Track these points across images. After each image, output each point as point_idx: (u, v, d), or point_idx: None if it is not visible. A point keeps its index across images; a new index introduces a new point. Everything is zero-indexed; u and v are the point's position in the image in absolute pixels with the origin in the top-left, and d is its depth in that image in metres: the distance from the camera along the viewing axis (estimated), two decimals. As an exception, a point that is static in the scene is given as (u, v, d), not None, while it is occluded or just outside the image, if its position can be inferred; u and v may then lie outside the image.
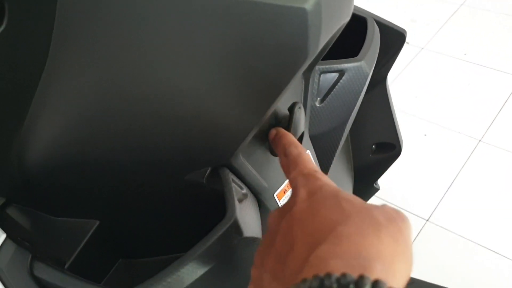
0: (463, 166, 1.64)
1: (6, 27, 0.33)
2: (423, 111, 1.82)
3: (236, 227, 0.44)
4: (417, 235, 1.50)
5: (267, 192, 0.54)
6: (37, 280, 0.45)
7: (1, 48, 0.34)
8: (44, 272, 0.46)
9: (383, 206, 0.34)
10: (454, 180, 1.60)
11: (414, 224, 1.52)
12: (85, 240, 0.55)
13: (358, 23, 0.68)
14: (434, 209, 1.54)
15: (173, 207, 0.53)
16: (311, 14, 0.37)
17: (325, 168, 0.65)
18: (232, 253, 0.45)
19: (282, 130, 0.48)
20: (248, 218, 0.47)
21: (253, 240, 0.47)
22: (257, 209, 0.53)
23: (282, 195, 0.56)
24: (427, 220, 1.52)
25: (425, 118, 1.80)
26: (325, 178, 0.39)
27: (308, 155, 0.43)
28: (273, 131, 0.49)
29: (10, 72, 0.37)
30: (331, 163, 0.66)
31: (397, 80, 1.92)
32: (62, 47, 0.37)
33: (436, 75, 1.98)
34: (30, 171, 0.47)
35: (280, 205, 0.56)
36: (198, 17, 0.37)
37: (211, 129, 0.45)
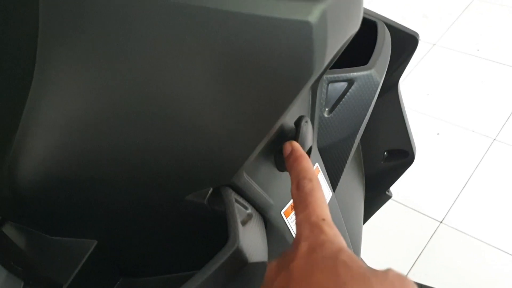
0: (477, 166, 1.60)
1: None
2: (435, 109, 1.78)
3: (239, 254, 0.41)
4: (431, 237, 1.47)
5: (274, 210, 0.51)
6: None
7: None
8: None
9: (386, 272, 0.31)
10: (468, 180, 1.57)
11: (428, 226, 1.49)
12: (83, 261, 0.53)
13: (368, 27, 0.64)
14: (448, 211, 1.51)
15: (173, 227, 0.51)
16: (316, 27, 0.34)
17: (335, 179, 0.63)
18: (236, 281, 0.43)
19: (298, 149, 0.45)
20: (253, 242, 0.45)
21: (258, 265, 0.44)
22: (263, 229, 0.50)
23: (290, 212, 0.53)
24: (441, 222, 1.49)
25: (438, 117, 1.76)
26: (330, 232, 0.36)
27: (321, 192, 0.40)
28: (288, 147, 0.46)
29: None
30: (341, 174, 0.63)
31: (408, 78, 1.88)
32: (49, 56, 0.35)
33: (448, 72, 1.94)
34: (22, 188, 0.45)
35: (287, 224, 0.53)
36: (197, 32, 0.34)
37: (213, 147, 0.42)
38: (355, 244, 0.73)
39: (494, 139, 1.67)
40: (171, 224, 0.50)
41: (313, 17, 0.33)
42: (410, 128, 0.77)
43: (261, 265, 0.45)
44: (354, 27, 0.41)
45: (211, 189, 0.45)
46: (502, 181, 1.56)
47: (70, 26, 0.34)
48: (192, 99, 0.39)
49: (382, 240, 1.41)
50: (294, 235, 0.54)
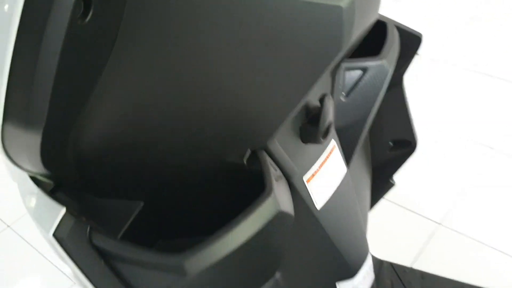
0: (474, 173, 1.68)
1: (91, 18, 0.39)
2: (435, 120, 1.87)
3: (274, 201, 0.49)
4: (430, 239, 1.54)
5: (297, 176, 0.59)
6: (96, 248, 0.51)
7: (83, 37, 0.40)
8: (102, 241, 0.51)
9: None
10: (466, 184, 1.65)
11: (426, 227, 1.57)
12: (130, 220, 0.60)
13: (377, 28, 0.74)
14: (447, 212, 1.58)
15: (213, 188, 0.59)
16: (346, 11, 0.43)
17: (348, 158, 0.71)
18: (269, 226, 0.51)
19: None
20: (283, 195, 0.53)
21: (287, 216, 0.53)
22: (289, 191, 0.58)
23: (311, 179, 0.61)
24: (440, 223, 1.56)
25: (437, 127, 1.85)
26: None
27: None
28: None
29: (83, 59, 0.43)
30: (353, 154, 0.71)
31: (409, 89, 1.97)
32: (126, 40, 0.43)
33: (448, 86, 2.03)
34: (86, 151, 0.53)
35: (308, 189, 0.61)
36: (250, 17, 0.43)
37: (253, 113, 0.51)
38: (362, 227, 0.81)
39: (492, 148, 1.75)
40: (211, 186, 0.58)
41: (344, 2, 0.42)
42: (413, 120, 0.86)
43: (289, 217, 0.53)
44: (374, 15, 0.50)
45: (250, 151, 0.54)
46: (500, 185, 1.64)
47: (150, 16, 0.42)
48: (239, 71, 0.47)
49: (381, 241, 1.48)
50: (313, 200, 0.62)
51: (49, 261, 1.50)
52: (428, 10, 2.40)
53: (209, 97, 0.49)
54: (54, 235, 0.50)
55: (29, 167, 0.51)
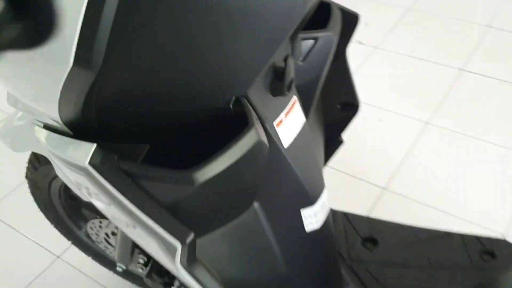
0: (416, 139, 1.92)
1: None
2: (378, 100, 2.10)
3: (256, 130, 0.67)
4: (376, 203, 1.75)
5: (269, 121, 0.78)
6: (123, 170, 0.67)
7: None
8: (128, 165, 0.68)
9: None
10: (408, 152, 1.88)
11: (372, 193, 1.78)
12: (140, 159, 0.77)
13: (323, 7, 0.92)
14: (391, 177, 1.81)
15: (206, 129, 0.76)
16: None
17: (306, 113, 0.89)
18: (252, 150, 0.69)
19: None
20: (262, 134, 0.71)
21: (264, 145, 0.71)
22: (263, 131, 0.76)
23: (279, 124, 0.79)
24: (384, 188, 1.78)
25: (380, 106, 2.08)
26: None
27: None
28: None
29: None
30: (310, 110, 0.90)
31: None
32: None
33: (387, 69, 2.28)
34: (105, 101, 0.66)
35: (277, 132, 0.79)
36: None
37: (235, 68, 0.68)
38: (320, 182, 0.98)
39: (427, 123, 2.00)
40: (205, 127, 0.76)
41: None
42: (356, 87, 1.06)
43: (265, 147, 0.72)
44: None
45: (234, 98, 0.72)
46: (437, 150, 1.88)
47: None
48: (223, 37, 0.65)
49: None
50: (281, 141, 0.81)
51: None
52: (370, 2, 2.64)
53: (201, 57, 0.67)
54: (89, 163, 0.66)
55: (69, 113, 0.67)
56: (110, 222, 1.30)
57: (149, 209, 0.66)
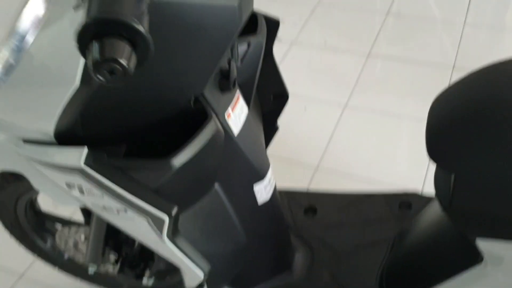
0: (338, 120, 2.16)
1: None
2: (301, 90, 2.33)
3: (214, 121, 0.85)
4: (311, 180, 1.97)
5: (221, 114, 0.95)
6: (114, 166, 0.83)
7: None
8: (117, 161, 0.84)
9: None
10: (333, 132, 2.12)
11: (306, 170, 2.00)
12: (120, 157, 0.92)
13: (251, 16, 1.11)
14: (322, 156, 2.03)
15: (174, 126, 0.93)
16: (238, 7, 0.80)
17: (247, 105, 1.08)
18: (213, 137, 0.86)
19: None
20: (218, 123, 0.89)
21: (221, 133, 0.89)
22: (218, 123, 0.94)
23: (229, 116, 0.97)
24: (317, 165, 2.01)
25: (303, 95, 2.31)
26: None
27: None
28: None
29: None
30: (250, 102, 1.09)
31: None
32: None
33: (306, 62, 2.51)
34: (88, 113, 0.83)
35: (228, 122, 0.98)
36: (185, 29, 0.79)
37: (192, 74, 0.86)
38: (266, 160, 1.17)
39: (346, 105, 2.25)
40: (172, 125, 0.92)
41: (235, 2, 0.79)
42: (283, 80, 1.26)
43: (222, 135, 0.90)
44: (251, 8, 0.88)
45: (193, 97, 0.89)
46: (359, 128, 2.13)
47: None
48: (179, 54, 0.82)
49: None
50: (232, 130, 0.99)
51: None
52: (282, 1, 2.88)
53: (166, 69, 0.84)
54: (85, 163, 0.81)
55: (63, 126, 0.82)
56: (78, 229, 1.42)
57: (139, 192, 0.82)
